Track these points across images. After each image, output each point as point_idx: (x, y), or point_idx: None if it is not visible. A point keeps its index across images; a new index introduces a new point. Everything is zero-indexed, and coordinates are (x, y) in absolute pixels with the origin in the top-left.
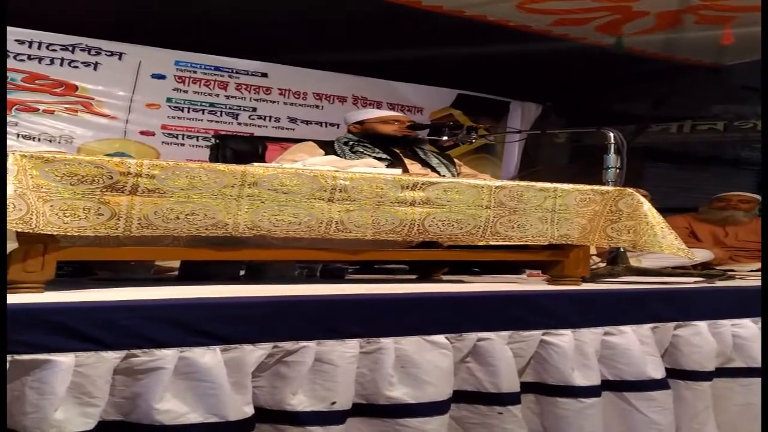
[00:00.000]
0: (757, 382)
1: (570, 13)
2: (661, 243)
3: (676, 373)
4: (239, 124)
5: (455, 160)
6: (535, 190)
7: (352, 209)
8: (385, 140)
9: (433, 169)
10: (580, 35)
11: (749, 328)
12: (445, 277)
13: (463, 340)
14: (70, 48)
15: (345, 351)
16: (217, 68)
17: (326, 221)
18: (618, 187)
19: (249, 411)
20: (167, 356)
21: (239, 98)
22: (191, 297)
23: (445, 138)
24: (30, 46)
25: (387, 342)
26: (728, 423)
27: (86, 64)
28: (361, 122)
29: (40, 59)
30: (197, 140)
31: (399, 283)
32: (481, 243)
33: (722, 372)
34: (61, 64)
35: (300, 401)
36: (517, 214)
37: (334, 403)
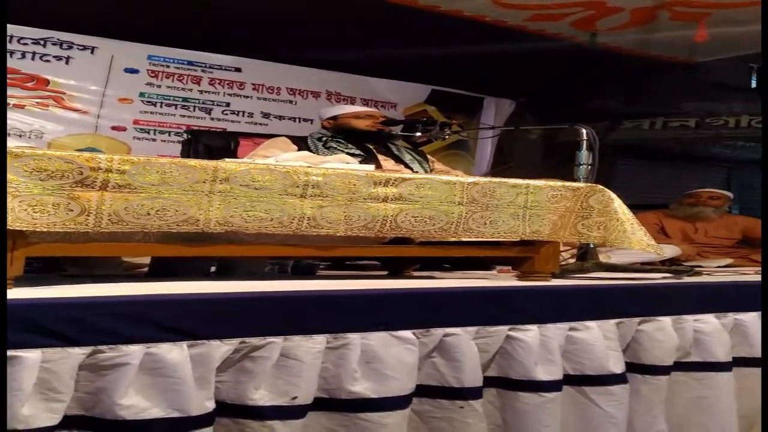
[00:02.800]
0: (710, 376)
1: (545, 9)
2: (631, 239)
3: (636, 368)
4: (212, 119)
5: (428, 156)
6: (507, 186)
7: (325, 205)
8: (358, 136)
9: (407, 165)
10: (556, 31)
11: (711, 323)
12: (416, 273)
13: (430, 335)
14: (42, 42)
15: (311, 346)
16: (190, 63)
17: (298, 217)
18: (589, 184)
19: (210, 406)
20: (133, 352)
21: (213, 93)
22: (159, 293)
23: (418, 134)
24: None
25: (354, 337)
26: (678, 415)
27: (58, 58)
28: (334, 117)
29: (11, 53)
30: (169, 135)
31: (369, 279)
32: (453, 239)
33: (678, 366)
34: (33, 58)
35: (261, 396)
36: (489, 210)
37: (295, 397)
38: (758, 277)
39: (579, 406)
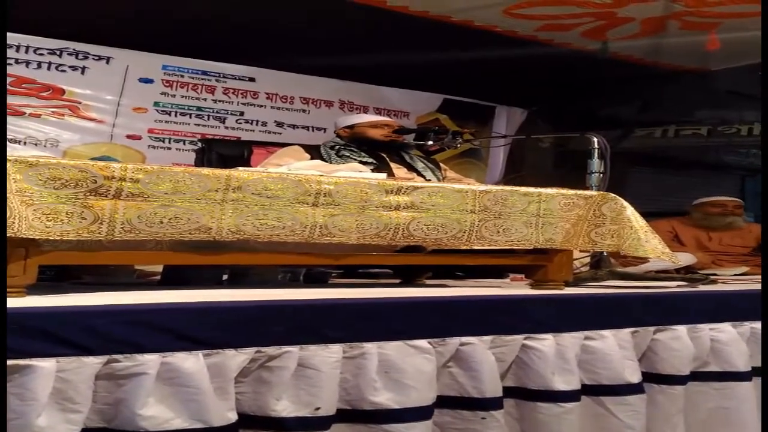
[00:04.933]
0: (731, 386)
1: (556, 19)
2: (645, 247)
3: (652, 377)
4: (226, 128)
5: (441, 165)
6: (519, 194)
7: (337, 213)
8: (371, 144)
9: (419, 173)
10: (566, 41)
11: (728, 332)
12: (428, 282)
13: (446, 344)
14: (58, 52)
15: (328, 356)
16: (204, 72)
17: (310, 225)
18: (601, 192)
19: (233, 417)
20: (149, 361)
21: (226, 102)
22: (173, 302)
23: (430, 142)
24: (17, 50)
25: (370, 347)
26: (700, 426)
27: (74, 68)
28: (351, 126)
29: (28, 63)
30: (184, 144)
31: (382, 288)
32: (465, 247)
33: (696, 376)
34: (49, 68)
35: (284, 407)
36: (502, 219)
37: (318, 408)
38: None
39: (597, 416)
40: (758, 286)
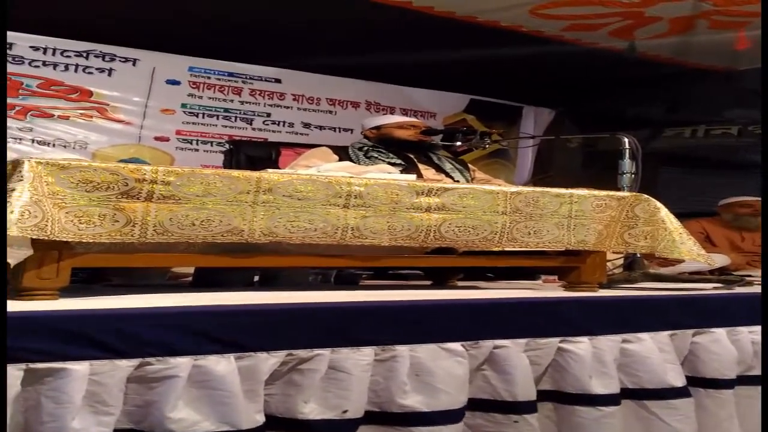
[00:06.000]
0: None
1: (582, 19)
2: (680, 248)
3: (697, 381)
4: (253, 129)
5: (469, 165)
6: (550, 195)
7: (368, 215)
8: (399, 145)
9: (447, 175)
10: (593, 40)
11: None
12: (460, 284)
13: (479, 347)
14: (85, 54)
15: (359, 359)
16: (231, 74)
17: (342, 227)
18: (634, 193)
19: (260, 419)
20: (181, 364)
21: (253, 104)
22: (205, 304)
23: (458, 143)
24: (45, 53)
25: (402, 350)
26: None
27: (101, 70)
28: (378, 127)
29: (55, 65)
30: (211, 146)
31: (414, 290)
32: (497, 249)
33: (744, 380)
34: (76, 70)
35: (311, 409)
36: (533, 220)
37: (345, 411)
38: None
39: (643, 420)
40: None
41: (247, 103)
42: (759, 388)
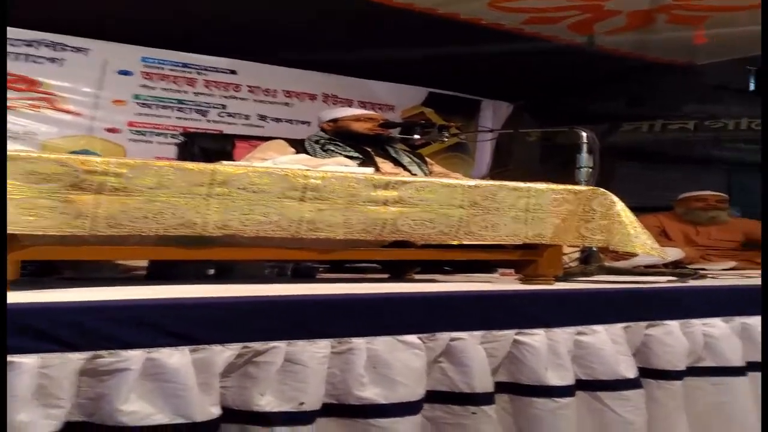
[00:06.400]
0: (727, 381)
1: (542, 12)
2: (635, 242)
3: (649, 373)
4: (208, 121)
5: (427, 159)
6: (508, 189)
7: (324, 208)
8: (357, 139)
9: (405, 168)
10: (552, 34)
11: (720, 327)
12: (417, 277)
13: (436, 339)
14: (34, 44)
15: (316, 351)
16: (185, 65)
17: (297, 220)
18: (591, 187)
19: (216, 412)
20: (134, 357)
21: (208, 95)
22: (159, 297)
23: (417, 136)
24: None
25: (359, 342)
26: (700, 422)
27: (50, 60)
28: (335, 120)
29: None
30: (165, 137)
31: (371, 283)
32: (454, 242)
33: (693, 371)
34: (25, 60)
35: (268, 401)
36: (491, 214)
37: (302, 403)
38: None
39: (596, 412)
40: (747, 281)
41: (201, 94)
42: (706, 379)
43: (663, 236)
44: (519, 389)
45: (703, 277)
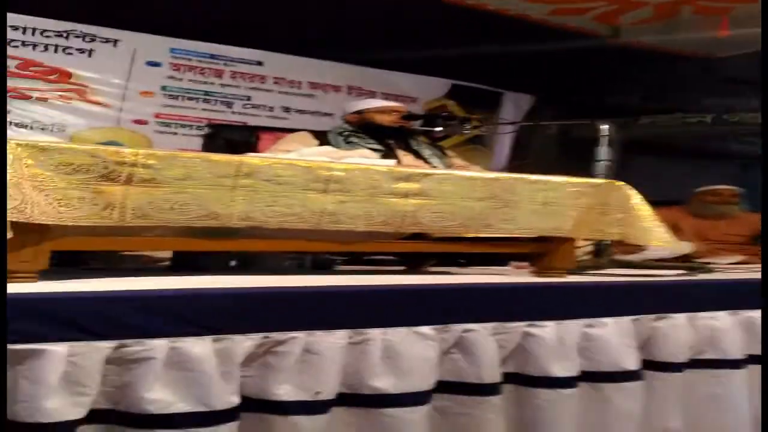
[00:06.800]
0: (725, 373)
1: (569, 2)
2: (650, 235)
3: (650, 365)
4: (233, 113)
5: (447, 152)
6: (527, 182)
7: (346, 200)
8: (380, 131)
9: (425, 161)
10: (578, 25)
11: (724, 320)
12: (432, 269)
13: (449, 331)
14: (65, 34)
15: (333, 342)
16: (212, 56)
17: (319, 212)
18: (609, 180)
19: (235, 400)
20: (158, 346)
21: (234, 87)
22: (183, 288)
23: (439, 129)
24: (24, 32)
25: (375, 333)
26: (693, 412)
27: (81, 50)
28: (359, 112)
29: (35, 45)
30: (191, 129)
31: (388, 275)
32: (473, 235)
33: (693, 363)
34: (56, 51)
35: (286, 391)
36: (510, 207)
37: (319, 393)
38: None
39: (595, 402)
40: (753, 275)
41: (227, 86)
42: (706, 372)
43: (676, 230)
44: (525, 380)
45: (712, 271)
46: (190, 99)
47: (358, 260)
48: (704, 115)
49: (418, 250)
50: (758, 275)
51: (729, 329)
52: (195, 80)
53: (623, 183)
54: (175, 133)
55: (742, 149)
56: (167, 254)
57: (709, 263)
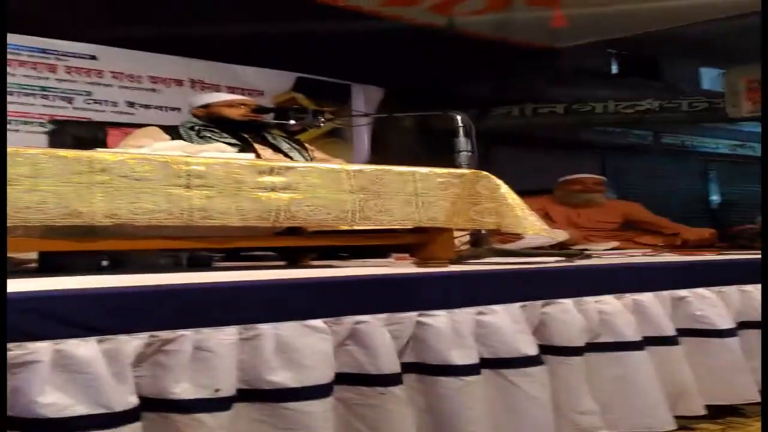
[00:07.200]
0: (625, 355)
1: None
2: (525, 224)
3: (548, 349)
4: (74, 108)
5: (306, 145)
6: (394, 174)
7: (213, 195)
8: (232, 125)
9: (285, 155)
10: (412, 16)
11: (612, 304)
12: (314, 263)
13: (341, 323)
14: None
15: (223, 338)
16: (43, 50)
17: (188, 208)
18: (474, 170)
19: (133, 401)
20: (41, 349)
21: (71, 81)
22: (62, 288)
23: (292, 122)
24: None
25: (265, 328)
26: (604, 395)
27: None
28: (205, 106)
29: None
30: (32, 126)
31: (269, 270)
32: (351, 228)
33: (592, 347)
34: None
35: (183, 389)
36: (382, 198)
37: (218, 390)
38: (649, 259)
39: (502, 389)
40: (633, 260)
41: (64, 80)
42: (605, 354)
43: (547, 219)
44: (425, 369)
45: (589, 257)
46: (27, 95)
47: (236, 256)
48: (555, 105)
49: (298, 244)
50: (636, 260)
51: (619, 312)
52: (29, 75)
53: (487, 173)
54: (17, 131)
55: (598, 138)
56: (33, 255)
57: (585, 249)
